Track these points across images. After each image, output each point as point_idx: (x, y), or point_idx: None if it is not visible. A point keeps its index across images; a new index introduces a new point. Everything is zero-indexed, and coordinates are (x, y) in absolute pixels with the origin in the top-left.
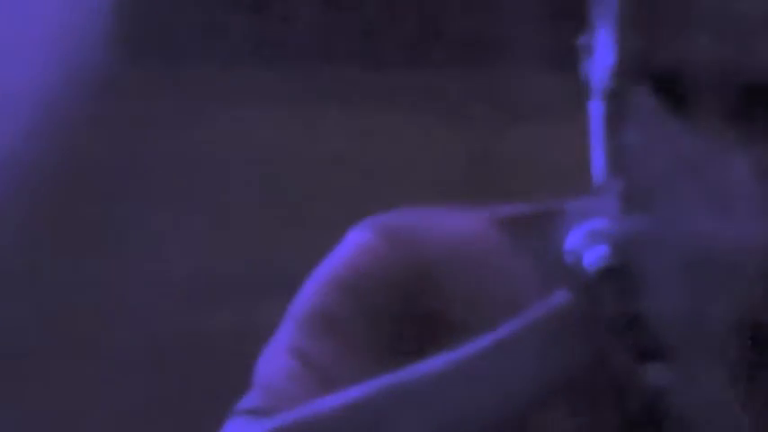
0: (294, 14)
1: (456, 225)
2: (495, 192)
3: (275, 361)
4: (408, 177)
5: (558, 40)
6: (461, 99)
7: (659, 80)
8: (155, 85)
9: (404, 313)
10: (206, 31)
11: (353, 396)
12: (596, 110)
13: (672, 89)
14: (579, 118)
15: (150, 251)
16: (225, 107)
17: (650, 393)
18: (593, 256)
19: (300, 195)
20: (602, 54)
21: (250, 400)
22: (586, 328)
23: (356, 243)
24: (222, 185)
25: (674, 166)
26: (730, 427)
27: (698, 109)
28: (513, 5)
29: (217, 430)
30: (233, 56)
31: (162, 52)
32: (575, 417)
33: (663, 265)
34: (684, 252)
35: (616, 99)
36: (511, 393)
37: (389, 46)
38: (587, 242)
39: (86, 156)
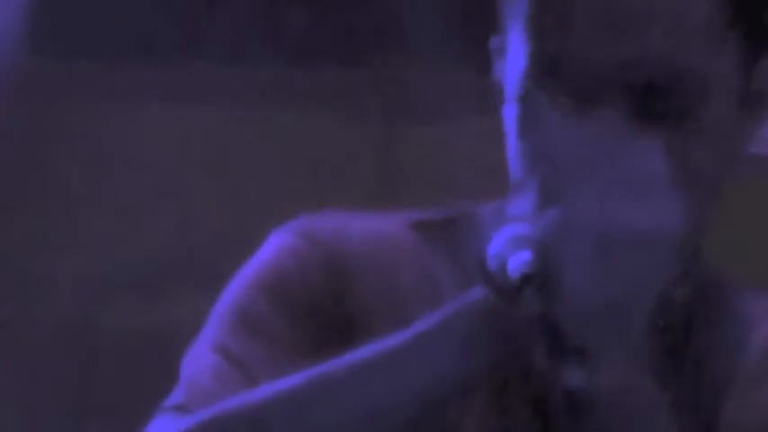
0: (210, 13)
1: (374, 228)
2: (403, 192)
3: (200, 358)
4: (315, 177)
5: (471, 39)
6: (368, 98)
7: (568, 81)
8: (70, 81)
9: (324, 313)
10: (130, 27)
11: (275, 388)
12: (509, 112)
13: (580, 88)
14: (490, 118)
15: (63, 249)
16: (139, 105)
17: (568, 394)
18: (517, 262)
19: (213, 195)
20: (513, 57)
21: (175, 397)
22: (504, 327)
23: (279, 245)
24: (142, 183)
25: (586, 161)
26: (647, 425)
27: (606, 106)
28: (423, 4)
29: (143, 427)
30: (149, 53)
31: (80, 48)
32: (494, 415)
33: (580, 256)
34: (600, 241)
35: (528, 100)
36: (428, 386)
37: (297, 45)
38: (510, 247)
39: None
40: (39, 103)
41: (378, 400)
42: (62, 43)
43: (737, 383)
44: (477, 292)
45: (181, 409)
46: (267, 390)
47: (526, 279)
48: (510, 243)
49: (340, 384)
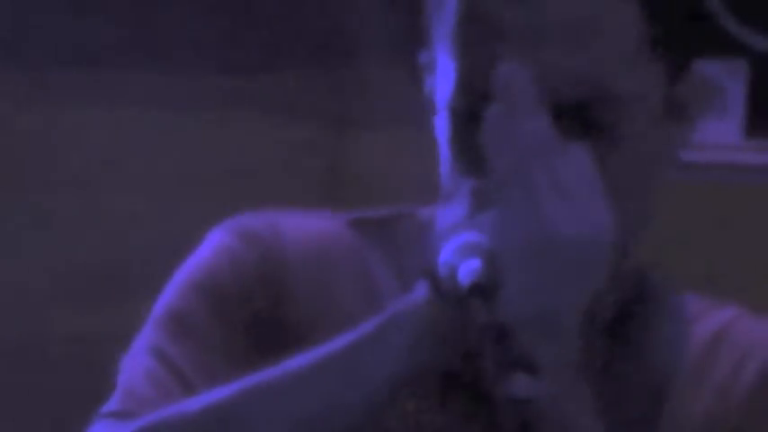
0: (149, 19)
1: (311, 227)
2: (354, 195)
3: (137, 363)
4: (263, 180)
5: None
6: (317, 102)
7: (494, 93)
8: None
9: (260, 314)
10: (56, 32)
11: (213, 396)
12: (441, 122)
13: (507, 104)
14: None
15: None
16: (76, 110)
17: (513, 401)
18: (467, 270)
19: (157, 198)
20: (442, 71)
21: (112, 403)
22: (449, 333)
23: (214, 245)
24: (76, 186)
25: (517, 169)
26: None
27: (534, 118)
28: (371, 9)
29: None
30: (90, 58)
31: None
32: (436, 421)
33: (515, 262)
34: (534, 247)
35: (458, 112)
36: (370, 392)
37: (244, 50)
38: (460, 255)
39: None
40: None
41: (320, 405)
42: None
43: (678, 382)
44: (421, 296)
45: (118, 415)
46: (204, 398)
47: (475, 287)
48: (460, 251)
49: (281, 391)
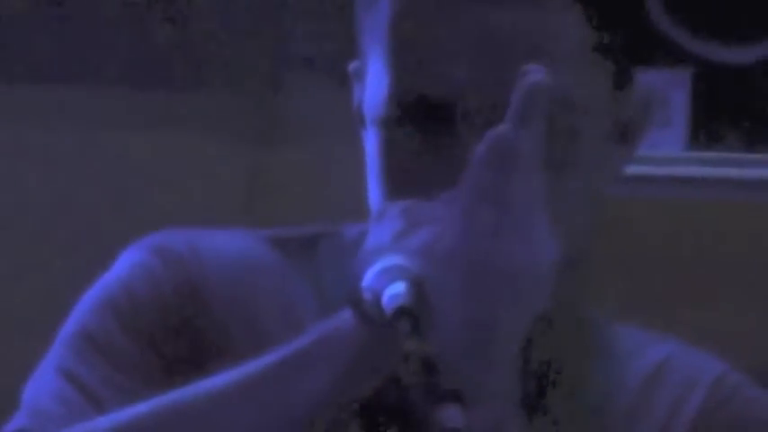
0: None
1: (230, 245)
2: (276, 212)
3: (44, 382)
4: (185, 197)
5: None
6: (241, 118)
7: (424, 107)
8: None
9: (177, 333)
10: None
11: (125, 415)
12: (370, 136)
13: (437, 114)
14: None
15: None
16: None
17: None
18: (391, 294)
19: (77, 215)
20: (372, 82)
21: (17, 421)
22: (375, 358)
23: (130, 263)
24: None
25: (451, 190)
26: None
27: (463, 131)
28: (303, 23)
29: None
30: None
31: None
32: None
33: (449, 286)
34: (470, 270)
35: (389, 123)
36: (291, 416)
37: (169, 67)
38: (385, 279)
39: None
40: None
41: (241, 428)
42: None
43: (616, 418)
44: (346, 320)
45: (35, 414)
46: (115, 417)
47: (400, 312)
48: (384, 274)
49: (195, 414)
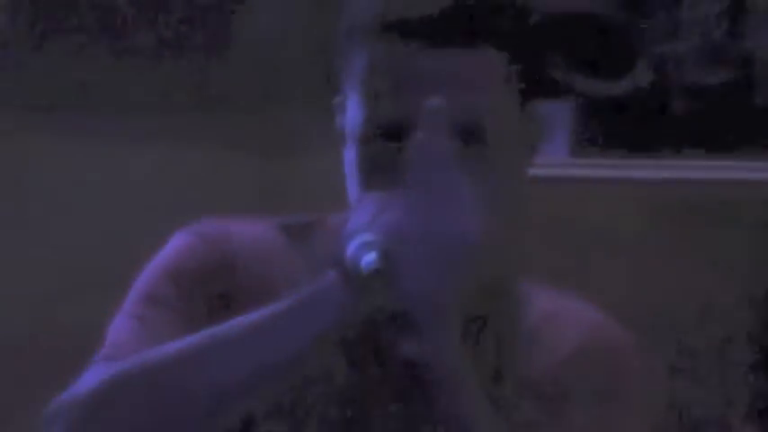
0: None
1: (252, 230)
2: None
3: (118, 324)
4: (202, 208)
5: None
6: (254, 133)
7: (387, 128)
8: None
9: (212, 294)
10: None
11: (179, 345)
12: (350, 151)
13: (396, 133)
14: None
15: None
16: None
17: (405, 360)
18: (366, 261)
19: (115, 221)
20: (351, 110)
21: (101, 353)
22: (352, 307)
23: (178, 242)
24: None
25: (412, 184)
26: (461, 384)
27: (417, 146)
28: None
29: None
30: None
31: None
32: (348, 375)
33: (410, 254)
34: (425, 242)
35: (363, 141)
36: (290, 347)
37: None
38: (361, 251)
39: None
40: None
41: (257, 352)
42: None
43: (522, 347)
44: (332, 281)
45: (107, 358)
46: (173, 346)
47: (373, 273)
48: (361, 247)
49: (228, 340)
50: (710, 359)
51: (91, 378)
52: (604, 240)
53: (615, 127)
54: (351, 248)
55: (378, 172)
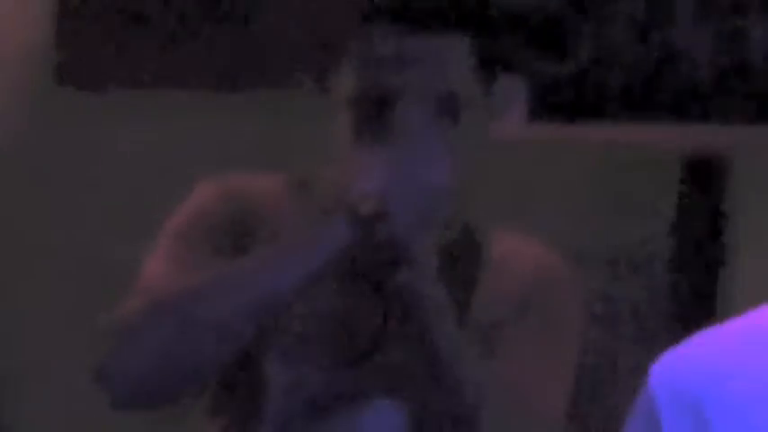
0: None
1: (262, 183)
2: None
3: (153, 260)
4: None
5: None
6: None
7: (378, 97)
8: None
9: (231, 239)
10: None
11: (206, 275)
12: (344, 117)
13: (386, 101)
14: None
15: None
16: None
17: (400, 287)
18: (366, 207)
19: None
20: (349, 82)
21: (138, 287)
22: (354, 240)
23: (203, 191)
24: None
25: (398, 144)
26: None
27: (404, 110)
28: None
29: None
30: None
31: None
32: (346, 298)
33: (400, 199)
34: (408, 188)
35: (356, 109)
36: (302, 273)
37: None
38: (362, 197)
39: None
40: None
41: (271, 279)
42: None
43: (482, 279)
44: (339, 222)
45: (141, 291)
46: (196, 277)
47: (373, 215)
48: (361, 193)
49: (250, 270)
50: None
51: (128, 308)
52: (547, 194)
53: (563, 98)
54: (353, 194)
55: (368, 132)
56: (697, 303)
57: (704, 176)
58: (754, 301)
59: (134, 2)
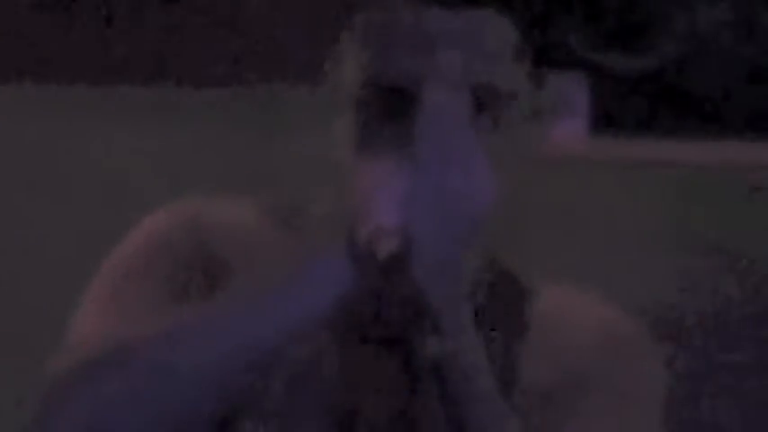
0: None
1: (234, 214)
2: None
3: (99, 307)
4: (204, 178)
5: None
6: (253, 113)
7: (393, 88)
8: None
9: (188, 281)
10: None
11: (164, 326)
12: (345, 119)
13: (402, 95)
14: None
15: None
16: None
17: (428, 358)
18: (386, 247)
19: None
20: (352, 72)
21: (71, 342)
22: (356, 292)
23: (157, 223)
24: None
25: (422, 147)
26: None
27: (430, 104)
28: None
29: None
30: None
31: None
32: (341, 363)
33: (424, 220)
34: (438, 205)
35: (362, 107)
36: (281, 326)
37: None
38: (378, 235)
39: None
40: None
41: (240, 333)
42: None
43: (529, 342)
44: (337, 260)
45: (78, 346)
46: (148, 328)
47: (393, 259)
48: (377, 231)
49: (212, 319)
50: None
51: (58, 371)
52: (613, 229)
53: (637, 105)
54: (364, 232)
55: (380, 137)
56: None
57: None
58: None
59: None
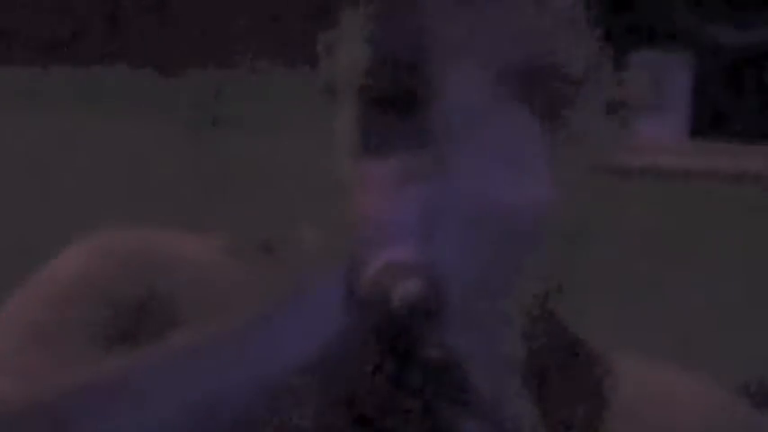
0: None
1: (186, 252)
2: (222, 192)
3: (5, 338)
4: (139, 175)
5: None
6: (197, 103)
7: (403, 69)
8: None
9: (127, 331)
10: None
11: (77, 384)
12: (343, 113)
13: (416, 79)
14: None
15: None
16: None
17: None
18: (403, 292)
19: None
20: (351, 53)
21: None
22: (356, 348)
23: (78, 261)
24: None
25: (463, 132)
26: None
27: (455, 88)
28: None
29: None
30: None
31: None
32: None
33: (456, 236)
34: (474, 215)
35: (364, 96)
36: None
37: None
38: (392, 275)
39: None
40: None
41: (210, 386)
42: None
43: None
44: (332, 307)
45: None
46: (69, 385)
47: (414, 309)
48: (391, 270)
49: (174, 366)
50: None
51: None
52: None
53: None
54: (373, 273)
55: (386, 135)
56: None
57: None
58: None
59: None
